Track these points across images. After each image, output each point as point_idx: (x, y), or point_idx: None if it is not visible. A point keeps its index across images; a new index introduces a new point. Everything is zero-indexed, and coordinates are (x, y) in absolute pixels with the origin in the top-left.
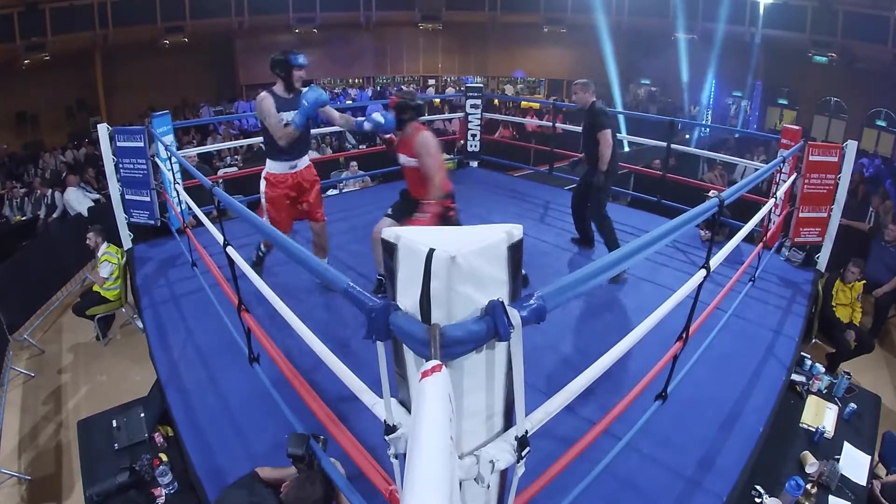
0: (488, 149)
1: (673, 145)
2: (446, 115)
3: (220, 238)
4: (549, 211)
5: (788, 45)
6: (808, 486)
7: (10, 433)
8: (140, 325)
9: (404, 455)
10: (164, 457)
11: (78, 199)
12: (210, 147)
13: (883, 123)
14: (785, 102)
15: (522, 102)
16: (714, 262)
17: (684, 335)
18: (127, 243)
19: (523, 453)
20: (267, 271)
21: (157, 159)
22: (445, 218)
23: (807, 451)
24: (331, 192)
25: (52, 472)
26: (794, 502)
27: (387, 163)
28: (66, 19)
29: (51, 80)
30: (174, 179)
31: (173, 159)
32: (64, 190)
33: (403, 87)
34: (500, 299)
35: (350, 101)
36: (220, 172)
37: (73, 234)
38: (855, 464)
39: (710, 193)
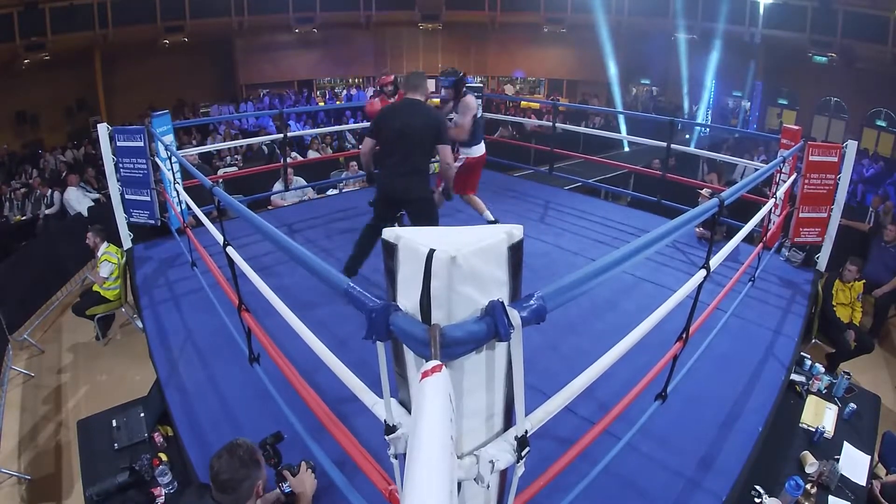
0: (488, 148)
1: (672, 145)
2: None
3: (219, 238)
4: (549, 211)
5: (788, 45)
6: (808, 486)
7: (10, 433)
8: (140, 324)
9: (404, 455)
10: (163, 456)
11: (78, 199)
12: (210, 147)
13: (883, 123)
14: (785, 102)
15: (522, 102)
16: (714, 262)
17: (684, 335)
18: (127, 243)
19: (523, 453)
20: (267, 271)
21: (157, 159)
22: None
23: (806, 451)
24: (331, 191)
25: (52, 471)
26: (794, 502)
27: None
28: (66, 19)
29: (51, 79)
30: (174, 179)
31: (173, 159)
32: (64, 189)
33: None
34: (501, 299)
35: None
36: (220, 172)
37: (73, 233)
38: (854, 464)
39: (704, 192)
